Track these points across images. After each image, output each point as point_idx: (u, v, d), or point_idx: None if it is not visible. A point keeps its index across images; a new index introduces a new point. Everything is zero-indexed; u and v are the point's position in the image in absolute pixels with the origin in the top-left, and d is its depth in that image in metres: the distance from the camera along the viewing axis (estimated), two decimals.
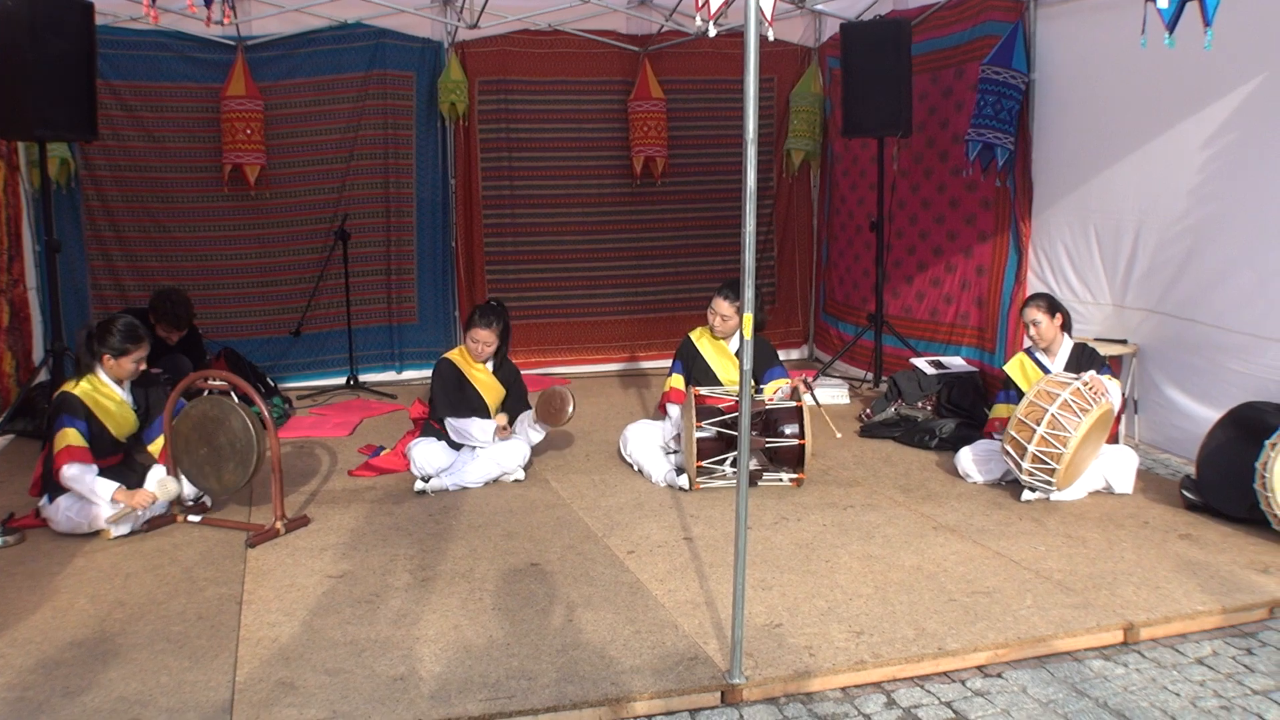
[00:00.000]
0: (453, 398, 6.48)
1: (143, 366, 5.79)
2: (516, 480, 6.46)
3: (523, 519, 5.76)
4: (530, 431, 6.56)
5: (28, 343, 8.16)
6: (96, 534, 5.51)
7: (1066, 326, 6.29)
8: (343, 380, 9.29)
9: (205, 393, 5.67)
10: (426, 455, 6.28)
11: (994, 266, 7.97)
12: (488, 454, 6.40)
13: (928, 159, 8.69)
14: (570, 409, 6.28)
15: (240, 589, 4.80)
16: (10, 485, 6.37)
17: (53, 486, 5.57)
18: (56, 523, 5.56)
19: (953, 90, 8.33)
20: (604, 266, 10.19)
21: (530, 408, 6.61)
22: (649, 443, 6.59)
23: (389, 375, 9.62)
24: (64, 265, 7.39)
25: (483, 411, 6.52)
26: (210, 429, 5.56)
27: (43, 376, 7.86)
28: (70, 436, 5.49)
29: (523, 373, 6.82)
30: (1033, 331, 6.24)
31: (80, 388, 5.62)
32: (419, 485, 6.24)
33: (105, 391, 5.69)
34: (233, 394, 5.56)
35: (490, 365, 6.63)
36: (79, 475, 5.46)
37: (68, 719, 3.66)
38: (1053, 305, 6.24)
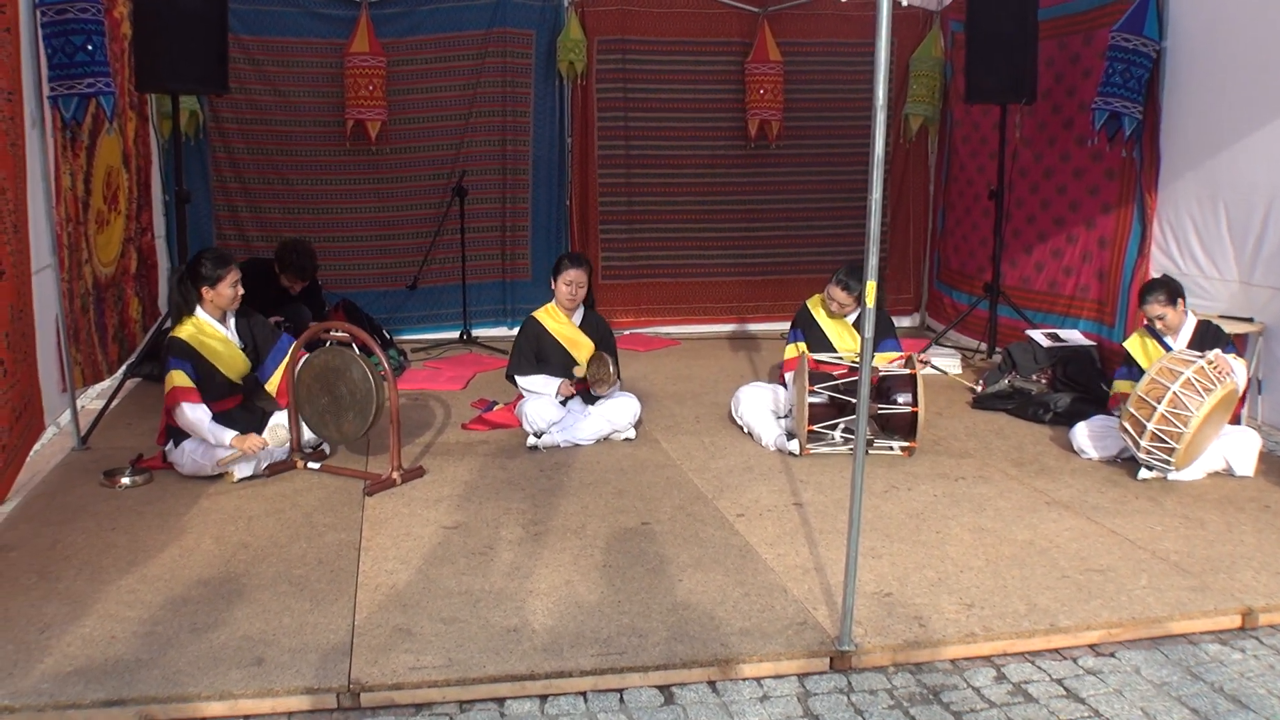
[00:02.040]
0: (526, 356, 6.60)
1: (240, 290, 5.87)
2: (627, 439, 6.52)
3: (633, 478, 5.81)
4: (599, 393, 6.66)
5: (154, 289, 8.41)
6: (220, 476, 5.69)
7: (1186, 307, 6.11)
8: (456, 334, 9.45)
9: (327, 343, 5.80)
10: (538, 410, 6.37)
11: (1117, 239, 7.79)
12: (599, 411, 6.47)
13: (1052, 127, 8.50)
14: (613, 374, 6.41)
15: (359, 536, 4.93)
16: (139, 426, 6.60)
17: (176, 433, 5.75)
18: (181, 465, 5.75)
19: (1080, 57, 8.13)
20: (716, 228, 10.17)
21: (616, 361, 6.70)
22: (761, 405, 6.59)
23: (501, 331, 9.74)
24: (191, 215, 7.59)
25: (569, 368, 6.61)
26: (331, 379, 5.70)
27: (169, 324, 8.10)
28: (176, 378, 5.64)
29: (632, 331, 6.85)
30: (1159, 326, 6.06)
31: (184, 330, 5.77)
32: (531, 441, 6.33)
33: (209, 331, 5.83)
34: (353, 345, 5.68)
35: (577, 319, 6.69)
36: (198, 420, 5.60)
37: (195, 655, 3.79)
38: (1173, 293, 6.03)
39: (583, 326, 6.71)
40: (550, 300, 6.73)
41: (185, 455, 5.71)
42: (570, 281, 6.57)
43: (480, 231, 9.56)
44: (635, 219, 9.99)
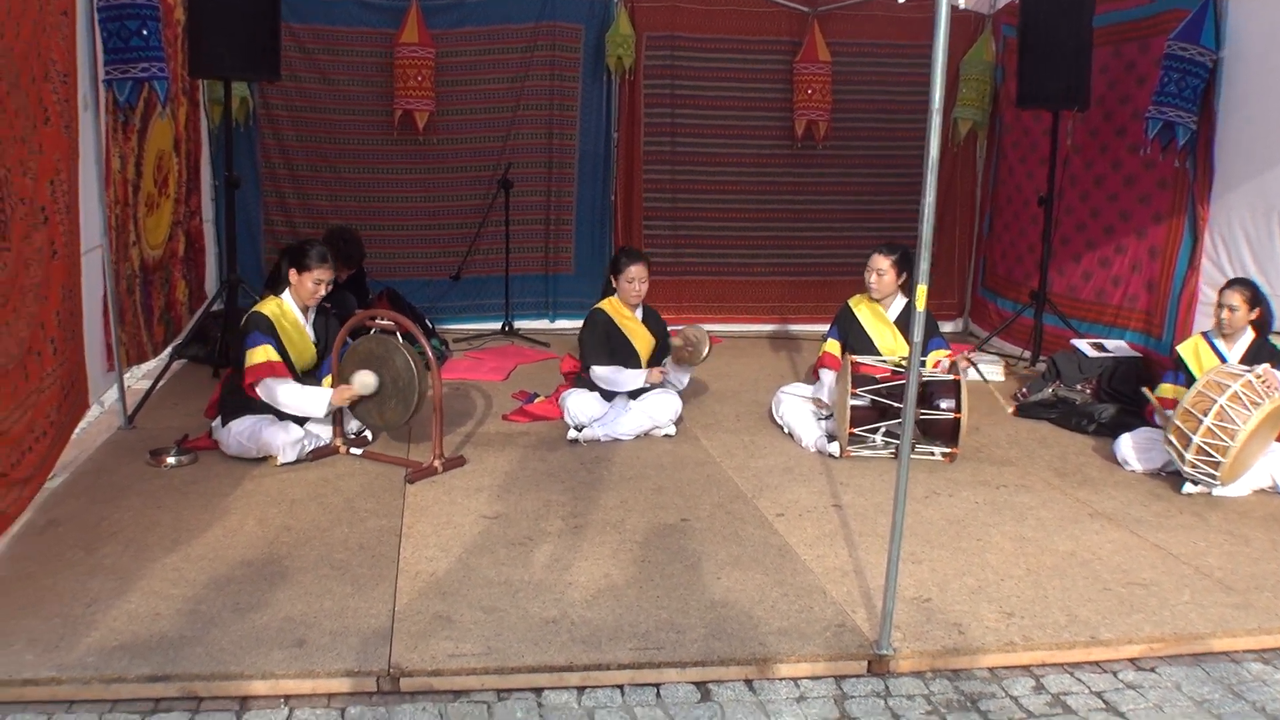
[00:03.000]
0: (602, 346, 6.57)
1: (322, 290, 5.96)
2: (667, 435, 6.52)
3: (673, 474, 5.81)
4: (674, 375, 6.65)
5: (201, 273, 8.50)
6: (264, 459, 5.74)
7: (1260, 322, 5.99)
8: (498, 326, 9.46)
9: (371, 331, 5.84)
10: (580, 404, 6.38)
11: (1167, 250, 7.71)
12: (640, 407, 6.47)
13: (1104, 134, 8.42)
14: (706, 350, 6.40)
15: (400, 522, 4.96)
16: (184, 408, 6.65)
17: (228, 410, 5.80)
18: (227, 445, 5.79)
19: (1135, 64, 8.05)
20: (760, 227, 10.15)
21: (669, 355, 6.71)
22: (802, 406, 6.57)
23: (542, 324, 9.77)
24: (239, 200, 7.64)
25: (635, 361, 6.60)
26: (375, 366, 5.73)
27: (216, 306, 8.18)
28: (266, 352, 5.70)
29: (674, 328, 6.86)
30: (1224, 315, 5.94)
31: (267, 307, 5.85)
32: (571, 434, 6.34)
33: (290, 317, 5.91)
34: (397, 333, 5.71)
35: (639, 313, 6.69)
36: (290, 393, 5.73)
37: (238, 634, 3.82)
38: (1255, 296, 5.93)
39: (645, 321, 6.72)
40: (605, 297, 6.74)
41: (231, 436, 5.75)
42: (633, 278, 6.56)
43: (525, 224, 9.58)
44: (679, 216, 9.98)
